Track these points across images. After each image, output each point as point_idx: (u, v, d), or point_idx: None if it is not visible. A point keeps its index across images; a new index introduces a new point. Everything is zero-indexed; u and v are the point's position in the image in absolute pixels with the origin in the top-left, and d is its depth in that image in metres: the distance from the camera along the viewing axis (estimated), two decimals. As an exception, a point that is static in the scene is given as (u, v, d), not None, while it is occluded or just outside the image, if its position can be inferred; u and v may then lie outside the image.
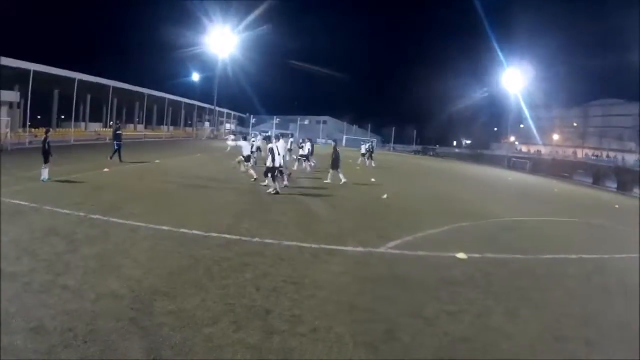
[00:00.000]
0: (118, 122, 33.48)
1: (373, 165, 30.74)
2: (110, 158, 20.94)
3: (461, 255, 8.21)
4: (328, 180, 18.50)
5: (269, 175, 14.57)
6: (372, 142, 36.33)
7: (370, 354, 4.55)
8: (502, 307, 6.04)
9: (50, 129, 17.34)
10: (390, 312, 5.43)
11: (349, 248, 8.10)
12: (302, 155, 23.29)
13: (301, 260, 7.36)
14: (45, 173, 14.73)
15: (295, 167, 22.89)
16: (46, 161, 14.81)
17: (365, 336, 4.81)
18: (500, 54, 68.47)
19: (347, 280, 6.39)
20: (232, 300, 5.63)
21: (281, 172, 15.30)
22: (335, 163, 18.88)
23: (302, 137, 34.73)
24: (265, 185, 15.17)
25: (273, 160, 14.23)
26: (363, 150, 32.94)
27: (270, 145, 14.73)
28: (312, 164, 23.79)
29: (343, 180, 18.37)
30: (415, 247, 8.52)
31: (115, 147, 21.39)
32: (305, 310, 5.36)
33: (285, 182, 15.98)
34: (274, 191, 14.52)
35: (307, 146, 23.26)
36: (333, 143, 20.38)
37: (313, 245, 8.10)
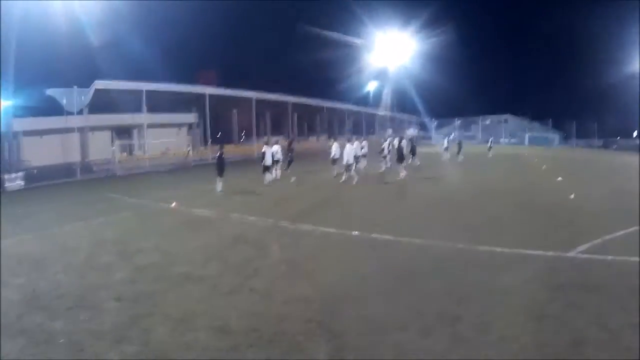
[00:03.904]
0: (292, 137, 36.53)
1: (460, 159, 32.16)
2: (287, 169, 22.59)
3: None
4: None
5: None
6: (450, 136, 39.49)
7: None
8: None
9: (224, 145, 19.37)
10: (577, 322, 5.49)
11: (540, 252, 8.43)
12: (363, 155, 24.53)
13: (493, 265, 7.73)
14: (219, 186, 16.82)
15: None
16: (220, 175, 16.91)
17: (550, 348, 4.88)
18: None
19: (538, 287, 6.66)
20: (422, 306, 5.88)
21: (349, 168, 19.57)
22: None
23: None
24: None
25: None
26: (445, 144, 34.77)
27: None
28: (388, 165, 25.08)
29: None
30: (605, 251, 8.60)
31: (289, 159, 24.01)
32: (494, 318, 5.56)
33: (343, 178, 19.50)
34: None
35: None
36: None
37: (505, 250, 8.53)
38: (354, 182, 18.69)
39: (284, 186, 18.42)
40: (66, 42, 33.57)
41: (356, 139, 24.90)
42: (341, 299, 5.96)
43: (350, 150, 19.68)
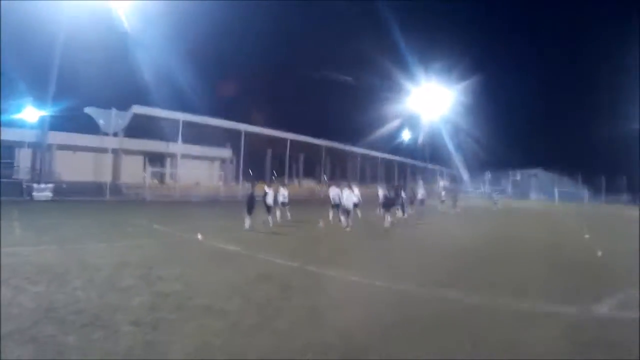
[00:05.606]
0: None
1: (458, 211, 33.84)
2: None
3: None
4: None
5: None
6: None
7: None
8: None
9: (256, 184, 19.74)
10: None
11: (564, 309, 8.39)
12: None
13: (515, 322, 7.61)
14: (247, 223, 17.05)
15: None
16: (249, 213, 17.22)
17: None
18: None
19: (562, 345, 6.57)
20: (444, 357, 5.80)
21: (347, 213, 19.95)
22: None
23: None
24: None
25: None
26: (442, 197, 38.19)
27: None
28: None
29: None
30: (631, 307, 8.55)
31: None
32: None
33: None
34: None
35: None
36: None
37: (526, 306, 8.46)
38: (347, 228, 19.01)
39: (311, 229, 18.80)
40: (109, 62, 35.06)
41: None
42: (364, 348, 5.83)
43: (348, 196, 20.17)
